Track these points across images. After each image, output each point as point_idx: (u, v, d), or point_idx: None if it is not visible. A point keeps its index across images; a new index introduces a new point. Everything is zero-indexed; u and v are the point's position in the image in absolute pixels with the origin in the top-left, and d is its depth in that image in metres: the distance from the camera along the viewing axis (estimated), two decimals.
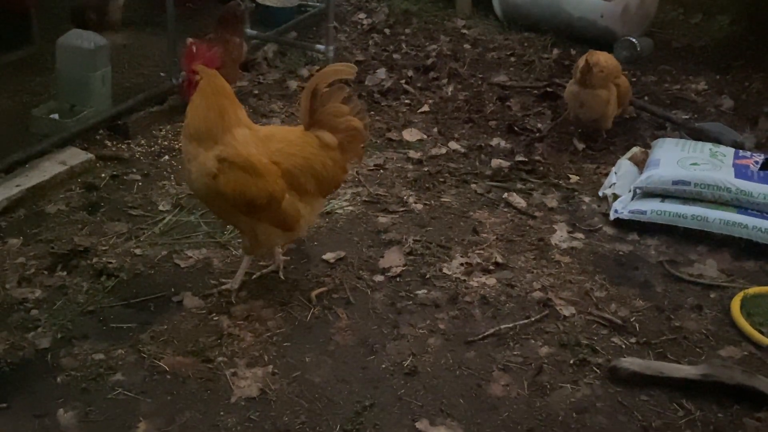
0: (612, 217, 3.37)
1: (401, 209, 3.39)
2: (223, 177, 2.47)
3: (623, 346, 2.66)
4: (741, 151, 3.66)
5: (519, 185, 3.64)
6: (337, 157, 2.65)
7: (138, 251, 2.97)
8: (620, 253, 3.19)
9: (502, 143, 4.03)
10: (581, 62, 3.91)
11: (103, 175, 3.48)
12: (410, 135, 4.06)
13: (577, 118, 4.05)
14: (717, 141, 3.86)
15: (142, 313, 2.67)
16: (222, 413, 2.30)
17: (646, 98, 4.62)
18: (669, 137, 3.99)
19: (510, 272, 3.01)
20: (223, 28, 4.13)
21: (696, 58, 5.26)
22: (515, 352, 2.60)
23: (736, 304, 2.85)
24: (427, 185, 3.59)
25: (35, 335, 2.53)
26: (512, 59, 5.11)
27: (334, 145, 2.63)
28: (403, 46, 5.24)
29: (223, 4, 4.36)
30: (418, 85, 4.66)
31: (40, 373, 2.39)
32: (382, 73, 4.74)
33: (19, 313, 2.62)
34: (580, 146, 4.04)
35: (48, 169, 3.36)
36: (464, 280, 2.94)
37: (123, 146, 3.74)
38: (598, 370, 2.54)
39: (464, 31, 5.55)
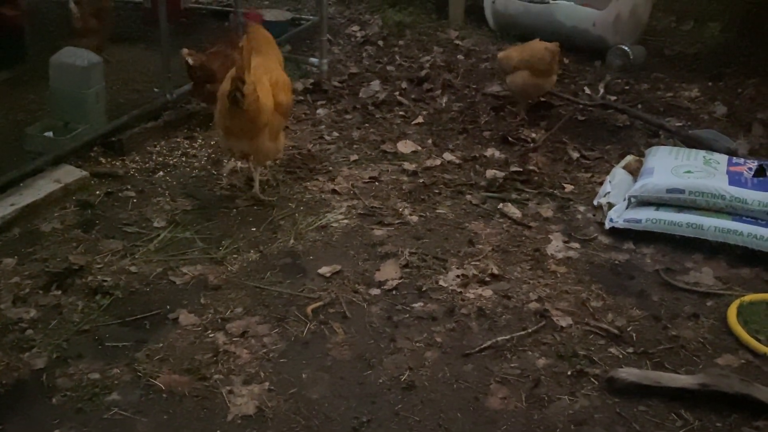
0: (607, 226, 3.38)
1: (396, 221, 3.39)
2: None
3: (620, 356, 2.65)
4: (734, 158, 3.66)
5: (514, 195, 3.64)
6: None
7: (133, 269, 2.97)
8: (616, 262, 3.19)
9: (497, 154, 4.04)
10: (541, 54, 4.20)
11: (97, 192, 3.48)
12: (405, 147, 4.07)
13: (525, 101, 4.42)
14: (710, 148, 3.86)
15: (137, 332, 2.66)
16: None
17: (639, 106, 4.63)
18: (663, 145, 4.00)
19: (506, 283, 3.00)
20: (229, 42, 4.17)
21: (688, 66, 5.28)
22: (513, 365, 2.60)
23: (732, 312, 2.84)
24: (422, 197, 3.59)
25: (30, 355, 2.52)
26: None
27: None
28: (397, 57, 5.26)
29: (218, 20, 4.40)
30: (412, 96, 4.67)
31: (35, 394, 2.38)
32: (376, 85, 4.75)
33: (13, 334, 2.61)
34: (575, 155, 4.05)
35: (42, 187, 3.35)
36: (460, 292, 2.93)
37: (117, 163, 3.75)
38: (595, 381, 2.54)
39: (457, 42, 5.57)
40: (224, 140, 3.40)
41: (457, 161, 3.95)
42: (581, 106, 4.56)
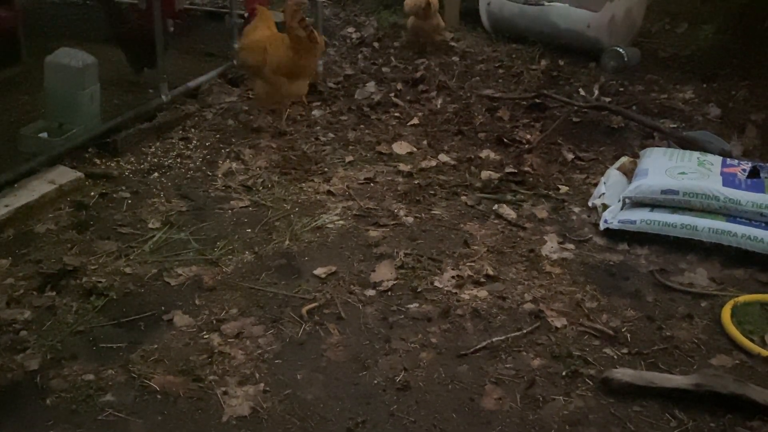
0: (602, 227, 3.38)
1: (392, 223, 3.39)
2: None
3: (615, 357, 2.66)
4: (728, 159, 3.68)
5: (509, 197, 3.65)
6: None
7: (128, 270, 2.96)
8: (611, 263, 3.19)
9: (492, 155, 4.04)
10: (417, 3, 5.20)
11: (92, 193, 3.47)
12: (400, 148, 4.07)
13: (417, 43, 5.39)
14: (704, 149, 3.87)
15: (132, 333, 2.66)
16: None
17: (634, 108, 4.65)
18: (657, 146, 4.01)
19: (501, 284, 3.01)
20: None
21: (682, 67, 5.30)
22: (507, 365, 2.60)
23: (726, 313, 2.85)
24: (417, 198, 3.60)
25: (24, 357, 2.51)
26: (500, 71, 5.14)
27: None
28: (392, 59, 5.26)
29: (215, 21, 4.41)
30: (408, 98, 4.68)
31: (29, 395, 2.37)
32: (371, 86, 4.76)
33: (7, 335, 2.60)
34: (569, 157, 4.06)
35: (37, 188, 3.34)
36: (456, 293, 2.93)
37: (112, 164, 3.74)
38: (590, 382, 2.54)
39: (453, 43, 5.58)
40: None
41: (452, 162, 3.96)
42: (576, 107, 4.57)
